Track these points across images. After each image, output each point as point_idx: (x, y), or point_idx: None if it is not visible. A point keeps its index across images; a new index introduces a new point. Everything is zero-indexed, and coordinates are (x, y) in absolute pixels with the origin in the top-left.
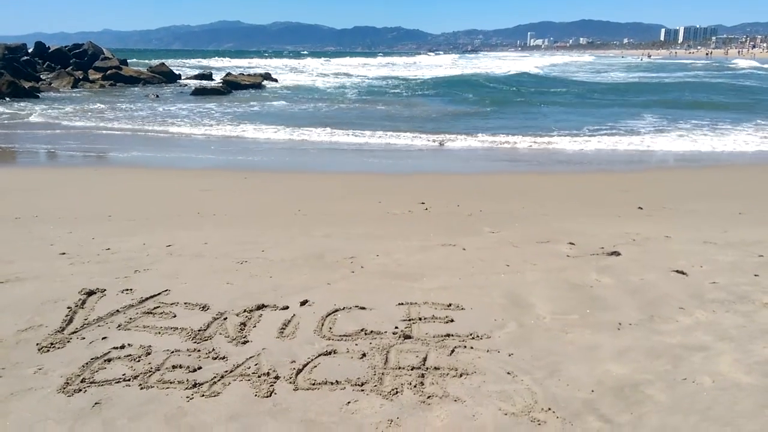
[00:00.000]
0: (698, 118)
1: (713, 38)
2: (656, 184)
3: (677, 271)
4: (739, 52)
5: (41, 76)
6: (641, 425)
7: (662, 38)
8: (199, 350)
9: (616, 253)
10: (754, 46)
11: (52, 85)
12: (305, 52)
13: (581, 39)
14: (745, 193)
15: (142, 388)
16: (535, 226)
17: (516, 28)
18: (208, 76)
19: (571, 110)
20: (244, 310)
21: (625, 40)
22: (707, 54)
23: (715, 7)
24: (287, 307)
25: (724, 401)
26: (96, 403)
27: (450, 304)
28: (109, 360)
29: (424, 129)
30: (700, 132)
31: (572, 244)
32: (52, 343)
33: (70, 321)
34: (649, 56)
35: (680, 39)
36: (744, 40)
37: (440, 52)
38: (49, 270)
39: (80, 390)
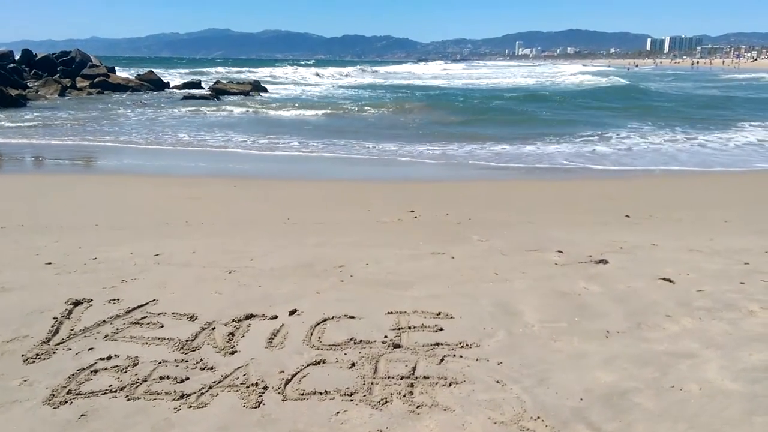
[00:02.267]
0: None
1: (698, 48)
2: (643, 193)
3: (664, 279)
4: (723, 62)
5: (28, 83)
6: None
7: (648, 48)
8: (186, 361)
9: (604, 261)
10: (738, 56)
11: (39, 92)
12: (311, 61)
13: (569, 48)
14: (731, 202)
15: (128, 400)
16: (523, 234)
17: (504, 38)
18: (197, 84)
19: None
20: (233, 320)
21: (612, 50)
22: (693, 64)
23: (701, 17)
24: (276, 317)
25: (711, 408)
26: (82, 415)
27: (439, 313)
28: (96, 371)
29: None
30: None
31: (560, 252)
32: (37, 354)
33: (56, 332)
34: (636, 65)
35: (666, 49)
36: (729, 50)
37: (440, 61)
38: (35, 280)
39: (66, 402)
